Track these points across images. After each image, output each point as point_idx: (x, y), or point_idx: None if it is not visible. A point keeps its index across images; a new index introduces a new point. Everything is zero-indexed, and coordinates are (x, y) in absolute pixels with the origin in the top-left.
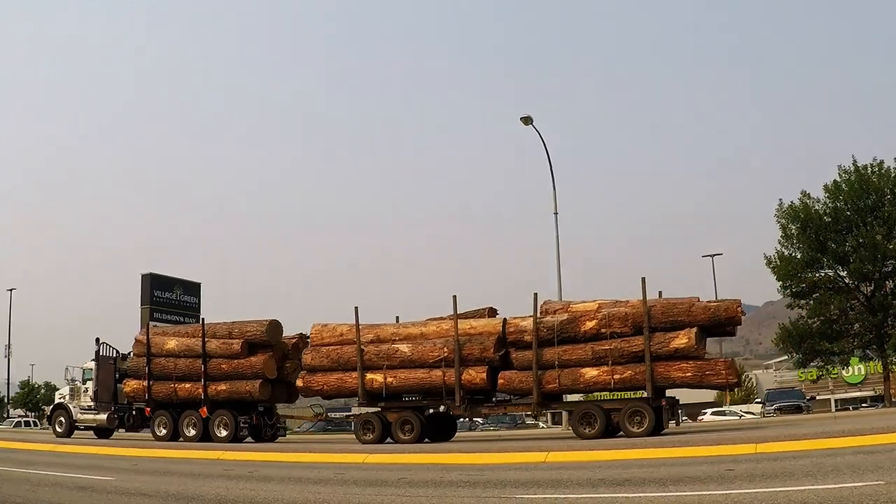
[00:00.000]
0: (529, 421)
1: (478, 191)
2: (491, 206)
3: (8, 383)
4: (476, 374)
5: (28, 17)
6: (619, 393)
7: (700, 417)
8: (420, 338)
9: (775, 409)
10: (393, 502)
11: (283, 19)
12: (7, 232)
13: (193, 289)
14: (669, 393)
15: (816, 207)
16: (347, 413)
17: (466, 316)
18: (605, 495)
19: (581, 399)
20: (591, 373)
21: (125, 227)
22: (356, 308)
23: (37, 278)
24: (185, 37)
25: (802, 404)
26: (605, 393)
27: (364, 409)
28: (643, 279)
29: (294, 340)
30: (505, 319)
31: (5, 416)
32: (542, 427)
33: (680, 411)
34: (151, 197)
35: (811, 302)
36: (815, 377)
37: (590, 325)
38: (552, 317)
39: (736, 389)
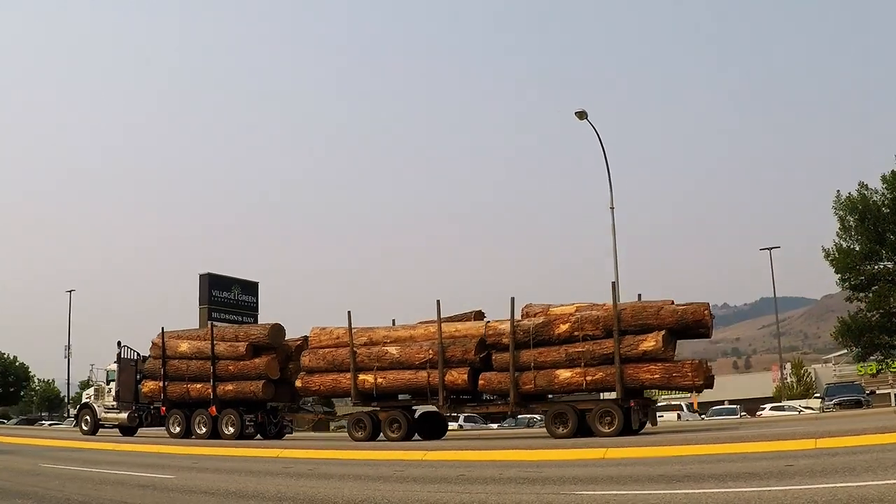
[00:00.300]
0: None
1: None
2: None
3: (68, 383)
4: (458, 375)
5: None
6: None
7: (759, 413)
8: (409, 340)
9: (834, 404)
10: (453, 499)
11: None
12: (68, 234)
13: (251, 288)
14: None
15: (874, 198)
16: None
17: (453, 319)
18: (664, 491)
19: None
20: (564, 374)
21: (184, 228)
22: (349, 312)
23: (97, 279)
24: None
25: (862, 399)
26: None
27: (357, 409)
28: (613, 284)
29: (298, 343)
30: (486, 323)
31: (66, 415)
32: None
33: (657, 412)
34: (208, 197)
35: (870, 295)
36: (874, 371)
37: (563, 328)
38: (529, 320)
39: (794, 384)
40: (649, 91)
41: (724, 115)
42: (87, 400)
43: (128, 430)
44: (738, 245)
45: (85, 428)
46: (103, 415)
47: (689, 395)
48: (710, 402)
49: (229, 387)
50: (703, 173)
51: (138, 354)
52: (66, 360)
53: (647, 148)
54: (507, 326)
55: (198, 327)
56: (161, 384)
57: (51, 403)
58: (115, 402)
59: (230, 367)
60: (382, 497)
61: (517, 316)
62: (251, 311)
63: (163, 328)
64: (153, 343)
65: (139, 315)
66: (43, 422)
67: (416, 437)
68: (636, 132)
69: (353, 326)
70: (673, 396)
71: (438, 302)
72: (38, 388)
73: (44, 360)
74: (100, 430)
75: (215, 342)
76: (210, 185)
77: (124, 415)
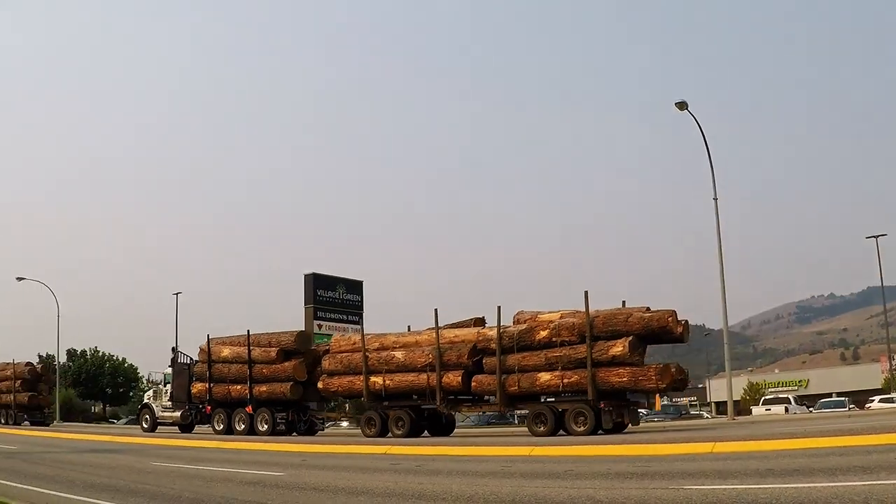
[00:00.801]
0: (694, 412)
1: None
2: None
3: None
4: (453, 378)
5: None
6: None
7: (868, 405)
8: (415, 345)
9: None
10: (561, 495)
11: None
12: (173, 237)
13: (356, 287)
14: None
15: None
16: None
17: (456, 326)
18: (774, 486)
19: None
20: (544, 377)
21: (288, 228)
22: (361, 318)
23: (202, 281)
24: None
25: None
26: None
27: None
28: (585, 293)
29: (326, 348)
30: (478, 329)
31: None
32: (707, 417)
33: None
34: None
35: None
36: None
37: (543, 334)
38: (514, 327)
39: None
40: (753, 77)
41: (837, 100)
42: (147, 401)
43: (185, 427)
44: (843, 233)
45: (145, 426)
46: (160, 414)
47: (795, 388)
48: (818, 394)
49: (263, 388)
50: (804, 159)
51: (191, 359)
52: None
53: (745, 132)
54: (494, 333)
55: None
56: (207, 386)
57: None
58: (170, 403)
59: (263, 370)
60: (490, 493)
61: (510, 322)
62: (356, 309)
63: (208, 335)
64: (200, 349)
65: (245, 316)
66: (113, 420)
67: (425, 433)
68: (735, 118)
69: (368, 333)
70: (780, 389)
71: (436, 311)
72: (146, 388)
73: (153, 362)
74: (158, 427)
75: (251, 347)
76: (319, 187)
77: (178, 414)
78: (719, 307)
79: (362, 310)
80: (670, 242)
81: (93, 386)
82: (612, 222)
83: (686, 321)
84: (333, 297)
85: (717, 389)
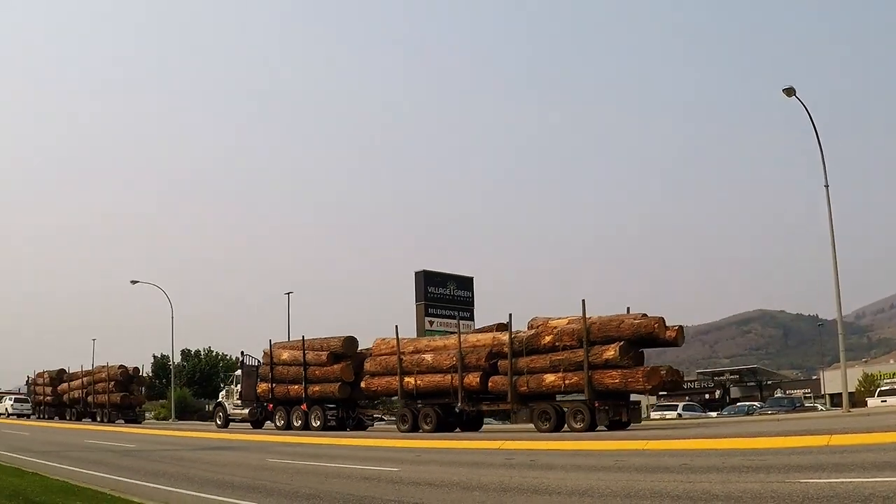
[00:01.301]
0: (808, 404)
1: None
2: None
3: None
4: (473, 379)
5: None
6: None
7: None
8: (443, 349)
9: None
10: (676, 489)
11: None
12: (283, 237)
13: (466, 283)
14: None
15: None
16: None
17: (481, 331)
18: (891, 479)
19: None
20: (549, 378)
21: (402, 226)
22: (396, 326)
23: (311, 280)
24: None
25: None
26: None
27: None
28: (583, 301)
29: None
30: (494, 335)
31: None
32: (821, 410)
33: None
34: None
35: None
36: None
37: (547, 339)
38: (524, 332)
39: None
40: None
41: None
42: (221, 399)
43: (255, 423)
44: None
45: (219, 422)
46: (231, 411)
47: None
48: None
49: (316, 388)
50: None
51: (259, 361)
52: None
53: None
54: (507, 338)
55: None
56: (269, 386)
57: None
58: (240, 401)
59: (316, 372)
60: (605, 487)
61: (525, 328)
62: (466, 306)
63: (270, 340)
64: (264, 352)
65: (357, 313)
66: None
67: (457, 430)
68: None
69: (403, 337)
70: None
71: (458, 318)
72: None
73: None
74: (230, 423)
75: (306, 351)
76: (430, 181)
77: (247, 411)
78: (832, 297)
79: (473, 306)
80: (779, 233)
81: (207, 385)
82: (719, 220)
83: (680, 327)
84: (444, 293)
85: (832, 381)
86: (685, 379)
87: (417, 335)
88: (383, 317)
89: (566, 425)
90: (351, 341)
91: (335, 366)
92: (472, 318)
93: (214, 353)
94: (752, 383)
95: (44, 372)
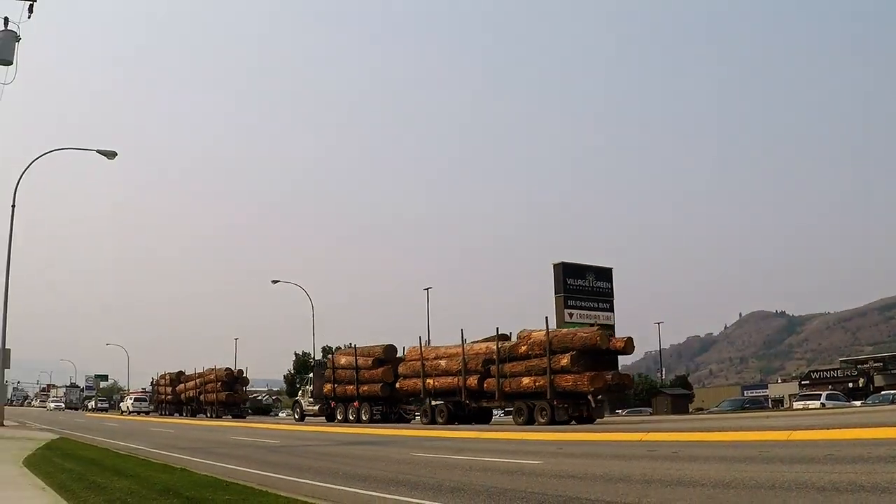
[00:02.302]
0: None
1: None
2: None
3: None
4: (472, 381)
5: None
6: None
7: None
8: (455, 356)
9: None
10: (822, 480)
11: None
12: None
13: (605, 274)
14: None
15: None
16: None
17: (487, 340)
18: None
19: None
20: (525, 381)
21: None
22: (420, 338)
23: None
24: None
25: None
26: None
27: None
28: (546, 318)
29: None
30: (488, 345)
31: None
32: None
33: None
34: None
35: None
36: None
37: (523, 349)
38: (508, 342)
39: None
40: None
41: None
42: (298, 397)
43: (330, 417)
44: None
45: (296, 417)
46: (306, 407)
47: None
48: None
49: (364, 388)
50: None
51: (325, 364)
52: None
53: None
54: (494, 347)
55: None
56: (332, 386)
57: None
58: (312, 399)
59: (364, 374)
60: (749, 478)
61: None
62: (605, 297)
63: (333, 348)
64: (328, 358)
65: (497, 306)
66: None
67: (472, 423)
68: None
69: (429, 344)
70: None
71: (462, 331)
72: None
73: None
74: (306, 417)
75: (357, 357)
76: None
77: (317, 407)
78: None
79: (612, 297)
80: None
81: None
82: (862, 198)
83: (629, 338)
84: (583, 285)
85: None
86: (828, 368)
87: (557, 327)
88: (522, 309)
89: (535, 420)
90: (390, 348)
91: (378, 369)
92: (611, 310)
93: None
94: None
95: (165, 374)
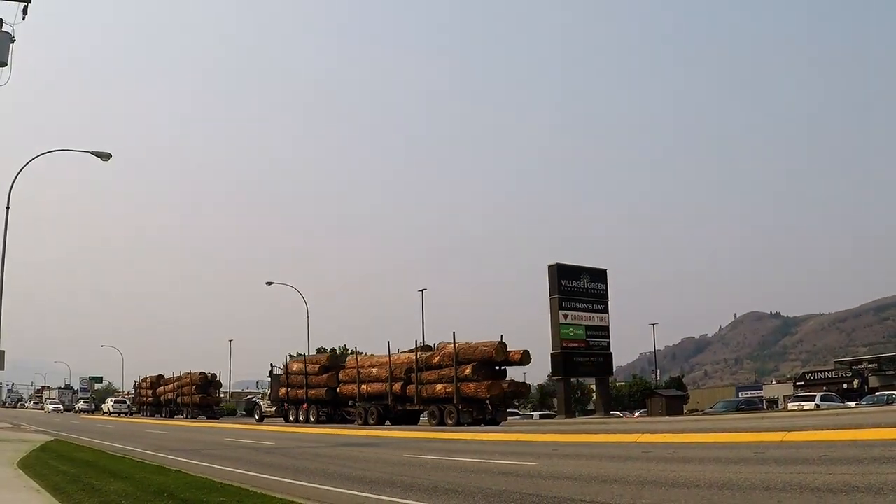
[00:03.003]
0: None
1: None
2: None
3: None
4: (397, 387)
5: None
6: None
7: None
8: (384, 364)
9: None
10: (816, 481)
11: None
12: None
13: (599, 276)
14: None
15: None
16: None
17: (411, 351)
18: None
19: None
20: (438, 387)
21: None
22: (356, 348)
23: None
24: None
25: None
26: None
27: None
28: (454, 333)
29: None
30: (409, 355)
31: None
32: None
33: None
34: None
35: None
36: None
37: (435, 359)
38: (425, 353)
39: None
40: None
41: None
42: (257, 400)
43: (285, 418)
44: None
45: (256, 418)
46: (265, 409)
47: None
48: None
49: (312, 392)
50: None
51: (280, 370)
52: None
53: None
54: (413, 357)
55: (549, 317)
56: (286, 390)
57: None
58: (269, 401)
59: (312, 380)
60: (744, 480)
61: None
62: (600, 298)
63: (287, 354)
64: (284, 365)
65: (485, 307)
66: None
67: (402, 424)
68: None
69: (361, 353)
70: None
71: (389, 343)
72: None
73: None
74: (265, 419)
75: (306, 364)
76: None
77: (274, 409)
78: None
79: (607, 299)
80: None
81: None
82: (856, 200)
83: (525, 351)
84: (578, 286)
85: None
86: (822, 369)
87: (551, 330)
88: (514, 311)
89: (445, 422)
90: (334, 356)
91: (323, 375)
92: (606, 311)
93: (350, 352)
94: (892, 372)
95: (147, 377)
